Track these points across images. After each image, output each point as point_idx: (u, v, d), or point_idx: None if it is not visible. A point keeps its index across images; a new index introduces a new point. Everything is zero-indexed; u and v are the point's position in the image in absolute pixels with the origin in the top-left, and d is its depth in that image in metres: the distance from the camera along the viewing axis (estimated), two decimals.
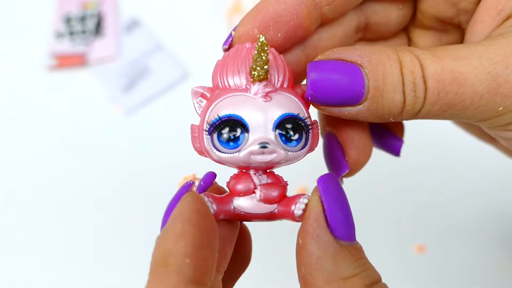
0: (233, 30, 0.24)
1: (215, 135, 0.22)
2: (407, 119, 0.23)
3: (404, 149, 0.30)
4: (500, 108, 0.22)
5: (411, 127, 0.31)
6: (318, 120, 0.27)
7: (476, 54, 0.22)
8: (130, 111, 0.63)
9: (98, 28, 0.70)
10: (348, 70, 0.22)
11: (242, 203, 0.22)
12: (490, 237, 0.49)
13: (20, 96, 0.65)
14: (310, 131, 0.23)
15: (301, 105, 0.23)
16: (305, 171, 0.41)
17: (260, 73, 0.22)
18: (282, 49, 0.25)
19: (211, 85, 0.24)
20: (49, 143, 0.61)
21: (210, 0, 0.70)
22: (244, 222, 0.26)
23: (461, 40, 0.29)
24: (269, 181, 0.23)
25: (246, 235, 0.27)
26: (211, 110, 0.22)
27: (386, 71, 0.22)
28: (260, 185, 0.22)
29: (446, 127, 0.38)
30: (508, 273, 0.47)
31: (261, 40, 0.21)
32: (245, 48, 0.23)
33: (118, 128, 0.61)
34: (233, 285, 0.26)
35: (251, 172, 0.23)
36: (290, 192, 0.23)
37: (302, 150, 0.22)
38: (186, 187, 0.22)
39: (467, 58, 0.22)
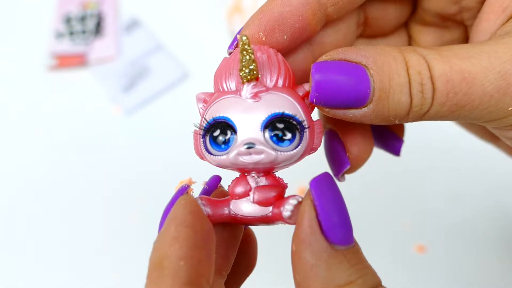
0: (238, 33, 0.24)
1: (207, 138, 0.22)
2: (413, 121, 0.23)
3: (404, 149, 0.29)
4: (510, 108, 0.21)
5: (411, 127, 0.31)
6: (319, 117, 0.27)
7: (484, 53, 0.21)
8: (130, 111, 0.62)
9: (98, 28, 0.70)
10: (353, 71, 0.21)
11: (238, 206, 0.22)
12: (490, 237, 0.49)
13: (20, 96, 0.65)
14: (306, 130, 0.22)
15: (296, 103, 0.22)
16: (306, 171, 0.41)
17: (246, 73, 0.21)
18: (288, 51, 0.25)
19: (212, 89, 0.24)
20: (49, 143, 0.60)
21: (210, 0, 0.70)
22: (250, 226, 0.26)
23: (463, 36, 0.29)
24: (267, 183, 0.22)
25: (252, 239, 0.26)
26: (205, 114, 0.22)
27: (392, 72, 0.21)
28: (254, 187, 0.22)
29: (447, 127, 0.38)
30: (509, 273, 0.47)
31: (242, 40, 0.21)
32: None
33: (118, 128, 0.61)
34: None
35: (250, 175, 0.22)
36: (290, 193, 0.23)
37: (295, 150, 0.22)
38: (181, 191, 0.22)
39: (476, 58, 0.21)
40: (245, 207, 0.22)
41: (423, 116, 0.22)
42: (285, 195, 0.22)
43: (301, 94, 0.23)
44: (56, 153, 0.59)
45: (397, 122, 0.23)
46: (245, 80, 0.22)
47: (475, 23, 0.26)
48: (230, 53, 0.24)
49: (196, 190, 0.23)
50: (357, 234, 0.20)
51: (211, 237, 0.20)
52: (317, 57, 0.26)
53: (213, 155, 0.22)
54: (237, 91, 0.22)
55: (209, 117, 0.22)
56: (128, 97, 0.63)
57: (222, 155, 0.22)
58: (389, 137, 0.29)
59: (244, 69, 0.21)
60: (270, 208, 0.22)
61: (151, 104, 0.63)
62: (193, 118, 0.24)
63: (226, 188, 0.24)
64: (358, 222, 0.22)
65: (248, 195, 0.22)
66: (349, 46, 0.23)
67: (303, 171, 0.30)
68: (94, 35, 0.69)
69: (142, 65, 0.66)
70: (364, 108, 0.22)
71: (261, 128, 0.21)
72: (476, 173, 0.53)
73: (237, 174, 0.23)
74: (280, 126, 0.21)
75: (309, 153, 0.23)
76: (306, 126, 0.22)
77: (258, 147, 0.21)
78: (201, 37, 0.67)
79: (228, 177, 0.24)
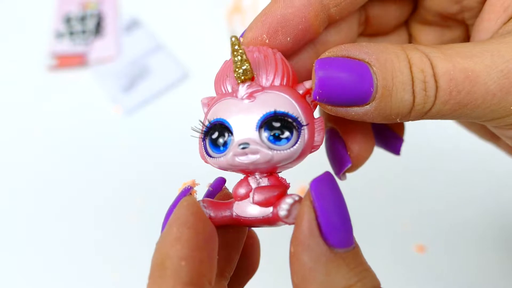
0: (241, 36, 0.24)
1: (207, 141, 0.22)
2: (415, 119, 0.22)
3: (404, 149, 0.29)
4: None
5: (411, 126, 0.31)
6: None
7: (487, 52, 0.21)
8: (130, 111, 0.62)
9: (98, 28, 0.70)
10: (357, 68, 0.21)
11: (240, 207, 0.22)
12: (490, 237, 0.49)
13: (20, 96, 0.65)
14: (305, 127, 0.22)
15: (293, 101, 0.22)
16: (309, 170, 0.41)
17: (240, 74, 0.21)
18: (292, 52, 0.25)
19: (212, 89, 0.24)
20: (48, 143, 0.60)
21: (210, 0, 0.70)
22: (253, 228, 0.25)
23: (464, 36, 0.29)
24: (268, 184, 0.22)
25: (255, 241, 0.26)
26: (205, 118, 0.22)
27: (395, 69, 0.21)
28: (254, 188, 0.22)
29: (447, 127, 0.38)
30: (509, 273, 0.47)
31: (231, 41, 0.21)
32: None
33: (118, 128, 0.61)
34: None
35: (253, 176, 0.22)
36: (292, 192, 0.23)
37: (292, 148, 0.21)
38: (184, 193, 0.22)
39: (478, 57, 0.21)
40: (247, 208, 0.22)
41: (425, 114, 0.22)
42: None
43: (301, 92, 0.23)
44: (56, 153, 0.59)
45: (398, 120, 0.22)
46: (239, 81, 0.22)
47: (476, 22, 0.26)
48: None
49: (199, 192, 0.23)
50: (357, 234, 0.20)
51: (213, 238, 0.20)
52: (320, 55, 0.26)
53: (213, 157, 0.22)
54: (234, 93, 0.22)
55: (208, 120, 0.22)
56: (128, 97, 0.63)
57: (221, 157, 0.22)
58: (389, 136, 0.29)
59: (237, 69, 0.21)
60: (271, 209, 0.21)
61: (151, 104, 0.63)
62: (193, 118, 0.24)
63: (230, 190, 0.24)
64: (358, 222, 0.21)
65: (249, 196, 0.22)
66: (351, 43, 0.23)
67: (306, 170, 0.30)
68: (94, 35, 0.69)
69: (142, 65, 0.66)
70: (367, 106, 0.22)
71: (256, 128, 0.21)
72: (476, 172, 0.53)
73: (242, 176, 0.23)
74: (276, 125, 0.21)
75: (310, 152, 0.23)
76: (303, 124, 0.22)
77: (253, 146, 0.21)
78: (201, 37, 0.67)
79: (233, 179, 0.24)
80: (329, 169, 0.28)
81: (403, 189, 0.53)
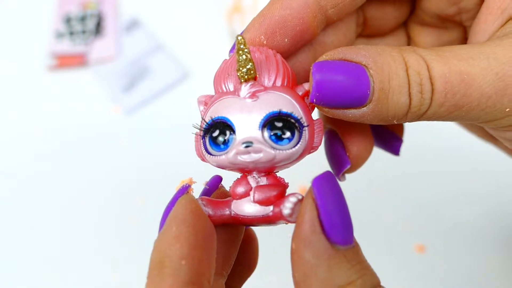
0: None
1: (207, 139, 0.22)
2: (411, 121, 0.23)
3: (404, 149, 0.30)
4: (507, 109, 0.22)
5: (411, 126, 0.31)
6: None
7: (483, 54, 0.21)
8: (130, 111, 0.62)
9: (98, 28, 0.70)
10: (353, 71, 0.22)
11: (238, 206, 0.22)
12: (490, 237, 0.49)
13: (20, 96, 0.65)
14: (306, 128, 0.22)
15: (295, 102, 0.22)
16: (307, 171, 0.41)
17: (244, 73, 0.22)
18: (290, 53, 0.25)
19: (212, 90, 0.24)
20: (48, 143, 0.60)
21: (210, 0, 0.70)
22: (251, 227, 0.26)
23: (462, 37, 0.29)
24: (267, 183, 0.22)
25: (253, 239, 0.27)
26: (205, 116, 0.23)
27: (391, 72, 0.21)
28: (254, 187, 0.22)
29: (447, 127, 0.38)
30: (509, 273, 0.47)
31: (238, 40, 0.21)
32: None
33: (118, 128, 0.61)
34: None
35: (252, 175, 0.23)
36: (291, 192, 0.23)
37: (294, 148, 0.22)
38: (182, 191, 0.22)
39: (474, 59, 0.21)
40: (246, 207, 0.22)
41: (421, 116, 0.22)
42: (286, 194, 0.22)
43: (300, 93, 0.23)
44: (56, 153, 0.60)
45: (395, 122, 0.23)
46: (242, 80, 0.22)
47: (473, 24, 0.26)
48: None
49: (197, 190, 0.23)
50: (356, 234, 0.20)
51: (212, 237, 0.20)
52: (318, 57, 0.26)
53: (213, 155, 0.22)
54: (235, 91, 0.22)
55: (208, 118, 0.22)
56: (128, 97, 0.63)
57: (221, 155, 0.22)
58: (388, 136, 0.29)
59: (241, 68, 0.22)
60: (271, 208, 0.22)
61: (151, 104, 0.63)
62: (193, 118, 0.24)
63: (227, 188, 0.24)
64: (358, 222, 0.22)
65: (249, 195, 0.22)
66: (348, 46, 0.23)
67: (304, 170, 0.30)
68: (94, 35, 0.69)
69: (142, 65, 0.66)
70: (364, 108, 0.22)
71: (259, 127, 0.21)
72: (476, 172, 0.53)
73: (238, 175, 0.23)
74: (278, 125, 0.21)
75: (309, 152, 0.23)
76: (305, 124, 0.22)
77: (256, 145, 0.21)
78: (201, 37, 0.67)
79: (229, 178, 0.24)
80: (327, 168, 0.28)
81: (403, 189, 0.53)
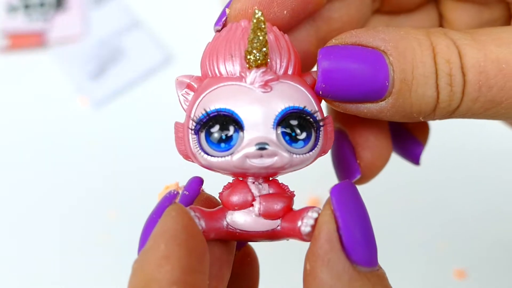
0: (227, 6, 0.24)
1: (202, 135, 0.22)
2: (442, 118, 0.23)
3: (438, 153, 0.30)
4: None
5: (444, 126, 0.31)
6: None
7: None
8: (99, 103, 0.63)
9: (59, 0, 0.70)
10: (369, 58, 0.22)
11: (238, 219, 0.22)
12: None
13: None
14: (322, 128, 0.22)
15: (310, 96, 0.23)
16: (317, 178, 0.41)
17: (257, 57, 0.22)
18: (288, 28, 0.25)
19: (199, 74, 0.24)
20: None
21: None
22: (250, 243, 0.26)
23: (506, 16, 0.29)
24: (270, 191, 0.23)
25: (252, 259, 0.27)
26: (198, 104, 0.22)
27: (416, 59, 0.22)
28: (259, 196, 0.22)
29: (485, 124, 0.38)
30: None
31: (257, 16, 0.21)
32: (240, 28, 0.23)
33: (84, 124, 0.61)
34: None
35: (249, 180, 0.23)
36: (299, 205, 0.23)
37: (311, 153, 0.22)
38: (169, 199, 0.22)
39: None
40: (247, 221, 0.22)
41: (452, 113, 0.23)
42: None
43: (308, 83, 0.24)
44: (6, 155, 0.60)
45: (422, 119, 0.23)
46: (253, 65, 0.22)
47: None
48: (217, 31, 0.25)
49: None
50: (382, 257, 0.21)
51: (206, 257, 0.20)
52: (322, 36, 0.26)
53: (211, 155, 0.22)
54: (241, 78, 0.22)
55: (206, 108, 0.22)
56: (97, 85, 0.63)
57: (223, 156, 0.22)
58: (407, 140, 0.29)
59: (254, 51, 0.22)
60: (278, 222, 0.22)
61: (126, 95, 0.63)
62: (177, 112, 0.24)
63: (210, 193, 0.25)
64: (382, 243, 0.22)
65: (251, 205, 0.22)
66: (364, 28, 0.23)
67: (314, 177, 0.30)
68: (54, 9, 0.69)
69: (114, 46, 0.66)
70: (382, 102, 0.22)
71: (273, 125, 0.21)
72: None
73: (228, 177, 0.24)
74: (293, 123, 0.22)
75: (319, 156, 0.24)
76: (322, 124, 0.22)
77: (271, 148, 0.21)
78: (188, 13, 0.67)
79: (215, 181, 0.24)
80: (333, 176, 0.28)
81: (437, 202, 0.53)
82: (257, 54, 0.22)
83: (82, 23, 0.68)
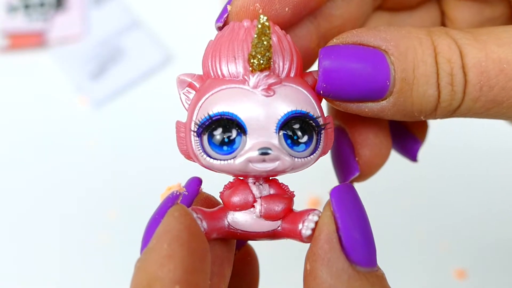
0: (229, 3, 0.24)
1: (205, 137, 0.22)
2: (443, 117, 0.23)
3: (438, 153, 0.30)
4: None
5: (445, 125, 0.31)
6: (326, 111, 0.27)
7: None
8: (99, 103, 0.63)
9: (59, 0, 0.70)
10: (370, 57, 0.22)
11: (239, 220, 0.23)
12: None
13: None
14: (323, 131, 0.23)
15: (312, 99, 0.23)
16: (317, 178, 0.41)
17: (261, 62, 0.22)
18: (289, 25, 0.25)
19: (201, 72, 0.24)
20: None
21: None
22: (249, 242, 0.26)
23: (507, 14, 0.29)
24: (271, 191, 0.23)
25: (252, 258, 0.27)
26: (200, 106, 0.22)
27: (417, 59, 0.22)
28: (260, 197, 0.23)
29: (486, 124, 0.38)
30: None
31: (262, 21, 0.21)
32: (243, 28, 0.23)
33: (84, 124, 0.61)
34: None
35: (250, 181, 0.23)
36: (299, 205, 0.23)
37: (312, 156, 0.23)
38: (172, 200, 0.22)
39: None
40: (248, 221, 0.23)
41: (453, 112, 0.23)
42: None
43: (309, 84, 0.24)
44: (7, 153, 0.60)
45: (423, 118, 0.23)
46: (257, 69, 0.22)
47: None
48: (218, 28, 0.25)
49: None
50: (381, 256, 0.21)
51: (208, 258, 0.21)
52: (322, 33, 0.26)
53: (213, 158, 0.22)
54: (244, 81, 0.22)
55: (208, 111, 0.22)
56: (97, 85, 0.63)
57: (226, 159, 0.22)
58: (404, 136, 0.30)
59: (259, 56, 0.22)
60: (279, 223, 0.22)
61: (126, 95, 0.63)
62: (179, 112, 0.24)
63: (209, 191, 0.25)
64: (382, 243, 0.22)
65: (252, 206, 0.22)
66: (365, 27, 0.23)
67: (314, 177, 0.31)
68: (54, 9, 0.69)
69: (114, 46, 0.66)
70: (383, 102, 0.23)
71: (276, 130, 0.22)
72: None
73: (228, 176, 0.24)
74: (295, 127, 0.22)
75: (320, 156, 0.24)
76: (323, 127, 0.23)
77: (274, 153, 0.21)
78: (187, 13, 0.67)
79: (214, 180, 0.24)
80: (333, 176, 0.28)
81: (437, 200, 0.53)
82: (261, 59, 0.22)
83: (82, 23, 0.68)
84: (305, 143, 0.22)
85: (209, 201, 0.24)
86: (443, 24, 0.30)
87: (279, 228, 0.22)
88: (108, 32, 0.67)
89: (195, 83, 0.24)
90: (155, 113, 0.59)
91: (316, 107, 0.23)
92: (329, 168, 0.29)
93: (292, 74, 0.23)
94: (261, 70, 0.22)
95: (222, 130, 0.22)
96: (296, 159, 0.22)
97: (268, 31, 0.21)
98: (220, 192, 0.24)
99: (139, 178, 0.56)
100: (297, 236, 0.22)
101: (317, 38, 0.27)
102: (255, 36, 0.21)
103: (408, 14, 0.30)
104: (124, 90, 0.63)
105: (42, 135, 0.61)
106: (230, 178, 0.24)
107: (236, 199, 0.23)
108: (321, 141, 0.23)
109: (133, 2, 0.69)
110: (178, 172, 0.30)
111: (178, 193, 0.22)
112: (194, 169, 0.25)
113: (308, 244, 0.22)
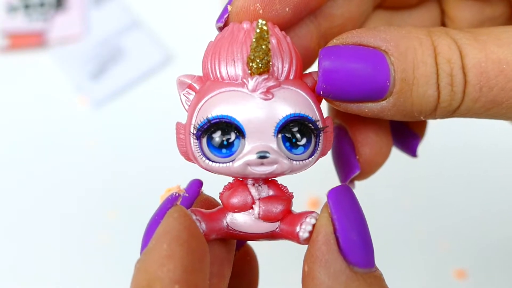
0: (229, 3, 0.24)
1: (204, 140, 0.22)
2: (442, 117, 0.24)
3: (438, 153, 0.30)
4: None
5: (445, 125, 0.31)
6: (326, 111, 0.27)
7: None
8: (99, 103, 0.63)
9: (59, 0, 0.70)
10: (370, 58, 0.22)
11: (237, 221, 0.23)
12: None
13: None
14: (322, 134, 0.23)
15: (311, 102, 0.23)
16: (317, 178, 0.41)
17: (260, 66, 0.22)
18: (289, 25, 0.25)
19: (201, 73, 0.24)
20: None
21: None
22: (248, 242, 0.27)
23: (508, 13, 0.29)
24: (270, 193, 0.23)
25: (252, 258, 0.27)
26: (200, 109, 0.23)
27: (417, 59, 0.22)
28: (259, 199, 0.23)
29: (487, 123, 0.38)
30: None
31: (260, 26, 0.21)
32: (242, 30, 0.23)
33: (84, 124, 0.61)
34: None
35: (249, 182, 0.23)
36: (299, 206, 0.23)
37: (310, 158, 0.23)
38: (171, 201, 0.22)
39: None
40: (247, 222, 0.23)
41: (453, 112, 0.23)
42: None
43: (309, 85, 0.24)
44: (7, 153, 0.60)
45: (423, 118, 0.23)
46: (255, 72, 0.22)
47: None
48: (219, 28, 0.25)
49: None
50: (382, 258, 0.21)
51: (207, 258, 0.21)
52: (323, 32, 0.26)
53: (212, 161, 0.22)
54: (243, 84, 0.22)
55: (207, 114, 0.22)
56: (98, 85, 0.63)
57: (224, 162, 0.22)
58: (404, 132, 0.30)
59: (257, 60, 0.22)
60: (277, 224, 0.23)
61: (126, 95, 0.63)
62: (179, 112, 0.24)
63: (209, 192, 0.25)
64: (382, 244, 0.22)
65: (251, 208, 0.23)
66: (365, 27, 0.23)
67: (313, 178, 0.31)
68: (54, 9, 0.69)
69: (114, 46, 0.66)
70: (383, 102, 0.23)
71: (274, 133, 0.22)
72: None
73: (228, 178, 0.24)
74: (294, 130, 0.22)
75: (319, 158, 0.24)
76: (322, 129, 0.23)
77: (272, 156, 0.21)
78: (187, 13, 0.67)
79: (214, 182, 0.24)
80: (333, 176, 0.28)
81: (437, 200, 0.53)
82: (260, 63, 0.22)
83: (82, 23, 0.68)
84: (303, 145, 0.22)
85: (209, 203, 0.25)
86: (443, 23, 0.30)
87: (277, 229, 0.23)
88: (108, 32, 0.67)
89: (195, 84, 0.24)
90: (155, 113, 0.59)
91: (315, 109, 0.23)
92: (329, 168, 0.29)
93: (291, 77, 0.23)
94: (260, 74, 0.22)
95: (221, 133, 0.22)
96: (294, 162, 0.22)
97: (266, 36, 0.21)
98: (219, 193, 0.24)
99: (139, 178, 0.56)
100: (295, 238, 0.22)
101: (317, 37, 0.27)
102: (254, 40, 0.21)
103: (408, 12, 0.30)
104: (124, 90, 0.63)
105: (42, 135, 0.61)
106: (230, 179, 0.24)
107: (235, 200, 0.23)
108: (319, 143, 0.23)
109: (133, 2, 0.69)
110: (178, 172, 0.30)
111: (177, 195, 0.23)
112: (194, 170, 0.25)
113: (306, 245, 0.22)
